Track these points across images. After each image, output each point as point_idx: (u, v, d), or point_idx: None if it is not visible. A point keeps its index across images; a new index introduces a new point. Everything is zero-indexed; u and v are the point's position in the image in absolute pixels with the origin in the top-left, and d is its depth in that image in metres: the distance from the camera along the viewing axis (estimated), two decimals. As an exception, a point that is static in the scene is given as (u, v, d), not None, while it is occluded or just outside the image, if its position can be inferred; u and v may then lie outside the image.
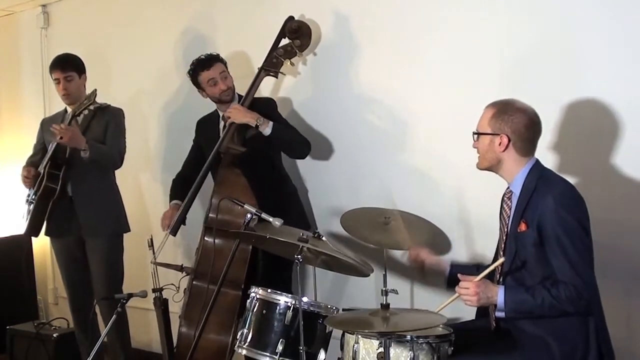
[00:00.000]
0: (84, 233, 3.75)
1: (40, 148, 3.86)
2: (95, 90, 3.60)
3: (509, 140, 2.44)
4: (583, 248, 2.35)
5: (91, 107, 3.62)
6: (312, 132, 3.74)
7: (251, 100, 3.51)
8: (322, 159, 3.73)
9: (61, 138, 3.49)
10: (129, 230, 3.90)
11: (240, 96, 3.58)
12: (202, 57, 3.55)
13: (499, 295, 2.36)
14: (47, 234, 3.85)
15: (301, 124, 3.74)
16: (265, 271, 3.46)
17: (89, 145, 3.55)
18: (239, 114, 3.43)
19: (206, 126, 3.72)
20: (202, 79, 3.53)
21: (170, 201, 3.72)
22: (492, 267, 2.44)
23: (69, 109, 3.74)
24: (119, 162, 3.77)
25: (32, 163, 3.81)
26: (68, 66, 3.72)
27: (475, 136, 2.53)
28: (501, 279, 2.50)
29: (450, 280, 2.75)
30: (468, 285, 2.38)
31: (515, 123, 2.44)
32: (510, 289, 2.38)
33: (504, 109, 2.47)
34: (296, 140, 3.49)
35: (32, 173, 3.70)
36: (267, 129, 3.38)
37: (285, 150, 3.56)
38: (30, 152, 3.98)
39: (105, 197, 3.79)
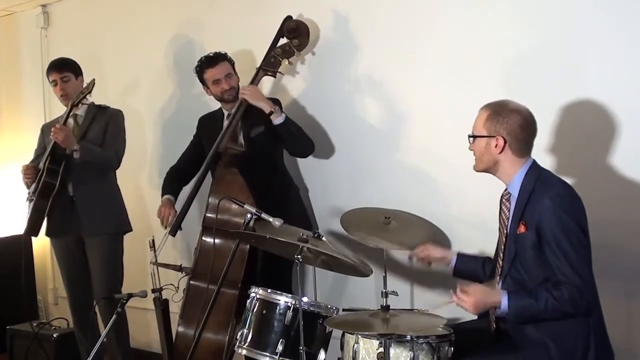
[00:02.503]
0: (85, 232, 3.75)
1: (41, 153, 3.86)
2: (94, 79, 3.60)
3: (505, 142, 2.44)
4: (582, 248, 2.34)
5: (89, 97, 3.63)
6: (312, 132, 3.73)
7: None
8: (322, 158, 3.73)
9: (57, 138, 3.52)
10: (131, 230, 3.91)
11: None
12: (210, 54, 3.55)
13: (502, 302, 2.35)
14: (47, 234, 3.86)
15: (300, 124, 3.74)
16: (266, 272, 3.46)
17: (80, 146, 3.57)
18: (255, 95, 3.43)
19: (209, 124, 3.71)
20: (206, 77, 3.54)
21: (163, 195, 3.70)
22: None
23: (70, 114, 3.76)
24: (115, 163, 3.78)
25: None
26: (64, 68, 3.75)
27: (471, 139, 2.53)
28: (501, 281, 2.50)
29: (456, 269, 2.75)
30: (464, 298, 2.36)
31: (510, 124, 2.44)
32: (514, 294, 2.37)
33: (498, 111, 2.47)
34: (303, 137, 3.49)
35: (32, 166, 3.72)
36: (279, 118, 3.38)
37: (289, 146, 3.52)
38: (30, 153, 3.99)
39: (106, 197, 3.80)
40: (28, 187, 3.77)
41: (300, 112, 3.80)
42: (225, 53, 3.58)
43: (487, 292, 2.39)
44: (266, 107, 3.39)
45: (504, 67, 3.10)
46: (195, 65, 3.60)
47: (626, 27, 2.81)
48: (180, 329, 3.34)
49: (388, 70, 3.47)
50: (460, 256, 2.77)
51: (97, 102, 3.84)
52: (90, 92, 3.60)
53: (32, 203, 3.70)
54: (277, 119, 3.39)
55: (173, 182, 3.74)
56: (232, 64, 3.58)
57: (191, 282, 3.37)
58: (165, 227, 3.59)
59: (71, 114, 3.71)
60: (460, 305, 2.38)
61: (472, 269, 2.71)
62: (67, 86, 3.73)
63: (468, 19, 3.21)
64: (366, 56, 3.55)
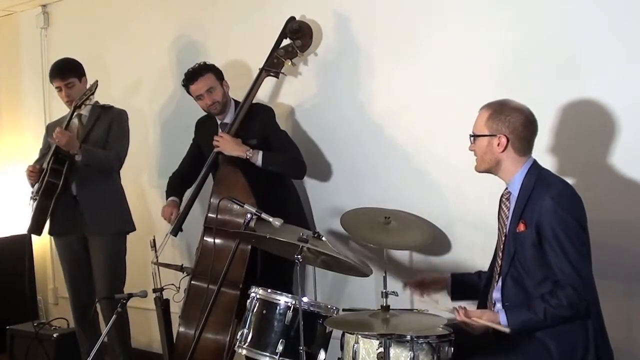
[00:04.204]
0: (88, 231, 3.76)
1: (46, 152, 3.86)
2: (97, 81, 3.61)
3: (507, 140, 2.44)
4: (582, 247, 2.35)
5: (92, 98, 3.63)
6: (312, 132, 3.74)
7: (252, 100, 3.52)
8: (322, 158, 3.73)
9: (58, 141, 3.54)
10: (134, 229, 3.92)
11: (237, 101, 3.58)
12: (193, 67, 3.54)
13: (500, 319, 2.36)
14: (50, 233, 3.86)
15: (301, 125, 3.75)
16: (266, 272, 3.46)
17: (82, 150, 3.58)
18: (228, 146, 3.42)
19: (205, 127, 3.72)
20: (191, 92, 3.56)
21: (167, 197, 3.73)
22: (496, 327, 2.40)
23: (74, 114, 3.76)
24: (117, 165, 3.78)
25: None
26: (67, 73, 3.73)
27: (472, 138, 2.53)
28: (500, 280, 2.50)
29: (454, 291, 2.76)
30: (473, 323, 2.38)
31: (513, 122, 2.44)
32: (511, 312, 2.38)
33: (500, 110, 2.47)
34: (288, 166, 3.49)
35: (37, 167, 3.73)
36: (257, 161, 3.39)
37: (281, 174, 3.53)
38: (29, 153, 3.99)
39: (109, 197, 3.81)
40: (32, 186, 3.78)
41: (300, 112, 3.80)
42: (210, 65, 3.55)
43: (487, 315, 2.41)
44: (242, 155, 3.39)
45: (504, 67, 3.10)
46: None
47: (626, 27, 2.81)
48: (181, 328, 3.35)
49: (388, 70, 3.47)
50: (454, 276, 2.78)
51: (100, 102, 3.84)
52: (93, 94, 3.60)
53: (35, 202, 3.71)
54: (256, 162, 3.39)
55: (175, 186, 3.77)
56: (217, 73, 3.55)
57: (192, 282, 3.38)
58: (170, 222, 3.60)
59: (75, 114, 3.72)
60: (466, 324, 2.40)
61: (469, 283, 2.72)
62: (72, 92, 3.72)
63: (468, 20, 3.21)
64: (367, 56, 3.54)
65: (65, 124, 3.65)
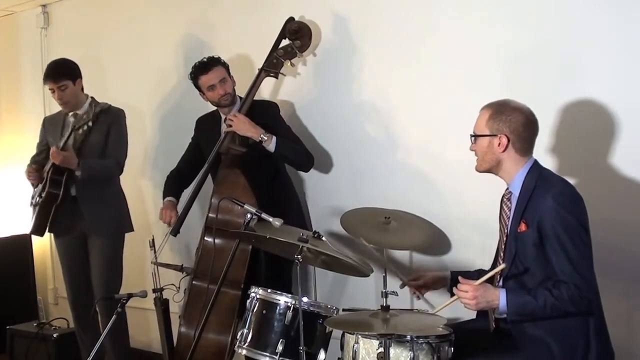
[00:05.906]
0: (88, 230, 3.76)
1: (44, 148, 3.87)
2: (94, 99, 3.63)
3: (508, 140, 2.44)
4: (583, 247, 2.35)
5: (91, 119, 3.60)
6: (312, 133, 3.74)
7: (251, 101, 3.51)
8: (323, 159, 3.73)
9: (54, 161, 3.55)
10: (132, 230, 3.91)
11: (241, 98, 3.58)
12: (203, 60, 3.53)
13: (500, 298, 2.36)
14: (50, 230, 3.86)
15: (301, 125, 3.75)
16: (270, 273, 3.46)
17: (81, 165, 3.58)
18: (242, 126, 3.40)
19: (207, 125, 3.71)
20: (201, 83, 3.53)
21: (164, 198, 3.71)
22: (492, 273, 2.43)
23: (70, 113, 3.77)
24: (117, 171, 3.80)
25: (36, 162, 3.84)
26: (60, 75, 3.68)
27: (473, 138, 2.53)
28: (501, 280, 2.50)
29: (452, 287, 2.75)
30: (467, 289, 2.37)
31: (514, 122, 2.44)
32: (512, 292, 2.38)
33: (500, 110, 2.47)
34: (299, 155, 3.49)
35: (34, 167, 3.74)
36: (270, 145, 3.37)
37: (288, 164, 3.57)
38: (30, 151, 3.99)
39: (109, 198, 3.81)
40: (34, 186, 3.79)
41: (300, 113, 3.80)
42: (219, 57, 3.55)
43: (487, 288, 2.39)
44: (256, 137, 3.38)
45: (504, 67, 3.10)
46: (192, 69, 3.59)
47: (626, 26, 2.81)
48: (182, 329, 3.34)
49: (388, 70, 3.47)
50: (454, 274, 2.78)
51: (97, 100, 3.82)
52: (90, 120, 3.57)
53: (36, 208, 3.72)
54: (269, 146, 3.37)
55: (173, 185, 3.76)
56: (227, 67, 3.55)
57: (193, 282, 3.37)
58: (168, 225, 3.60)
59: (71, 113, 3.73)
60: (461, 297, 2.38)
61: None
62: (65, 94, 3.69)
63: (468, 20, 3.21)
64: (367, 58, 3.54)
65: (62, 143, 3.62)
